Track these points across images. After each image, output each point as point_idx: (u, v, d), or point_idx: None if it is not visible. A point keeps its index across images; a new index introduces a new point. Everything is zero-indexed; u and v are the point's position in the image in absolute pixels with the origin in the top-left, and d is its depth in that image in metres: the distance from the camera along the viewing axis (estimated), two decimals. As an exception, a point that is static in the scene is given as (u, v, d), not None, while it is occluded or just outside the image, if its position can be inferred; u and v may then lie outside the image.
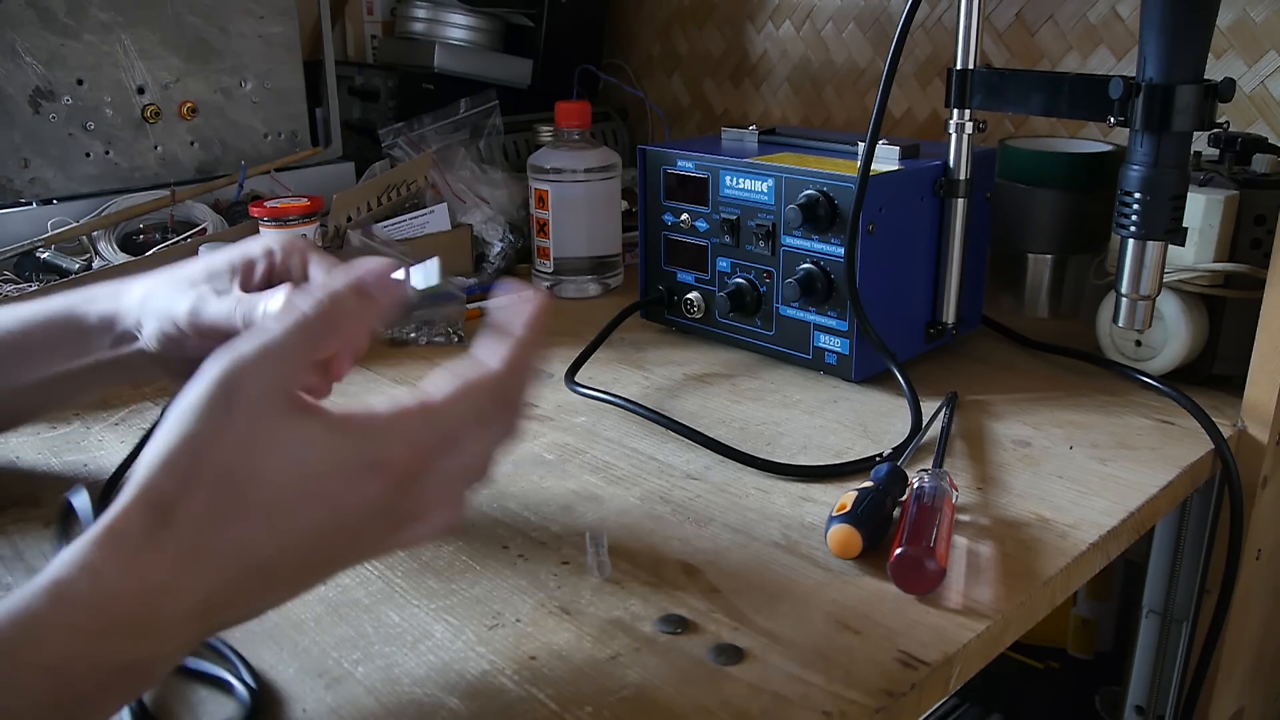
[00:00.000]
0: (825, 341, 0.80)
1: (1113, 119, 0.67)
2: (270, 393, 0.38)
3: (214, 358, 0.38)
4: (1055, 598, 0.56)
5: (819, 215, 0.76)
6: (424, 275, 0.49)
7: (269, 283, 0.56)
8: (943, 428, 0.70)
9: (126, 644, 0.36)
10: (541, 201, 1.01)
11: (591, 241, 1.02)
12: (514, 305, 0.45)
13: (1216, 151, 0.80)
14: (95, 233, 0.95)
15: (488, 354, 0.44)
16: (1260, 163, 0.77)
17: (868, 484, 0.59)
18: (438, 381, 0.42)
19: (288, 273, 0.56)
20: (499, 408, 0.43)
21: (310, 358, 0.40)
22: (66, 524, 0.59)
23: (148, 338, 0.55)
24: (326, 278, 0.44)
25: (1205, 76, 0.65)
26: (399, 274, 0.43)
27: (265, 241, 0.56)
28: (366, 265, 0.42)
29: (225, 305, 0.53)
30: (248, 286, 0.55)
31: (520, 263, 1.10)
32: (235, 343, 0.38)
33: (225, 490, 0.37)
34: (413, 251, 0.95)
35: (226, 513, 0.37)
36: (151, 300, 0.55)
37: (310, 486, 0.38)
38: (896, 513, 0.58)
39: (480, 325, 0.96)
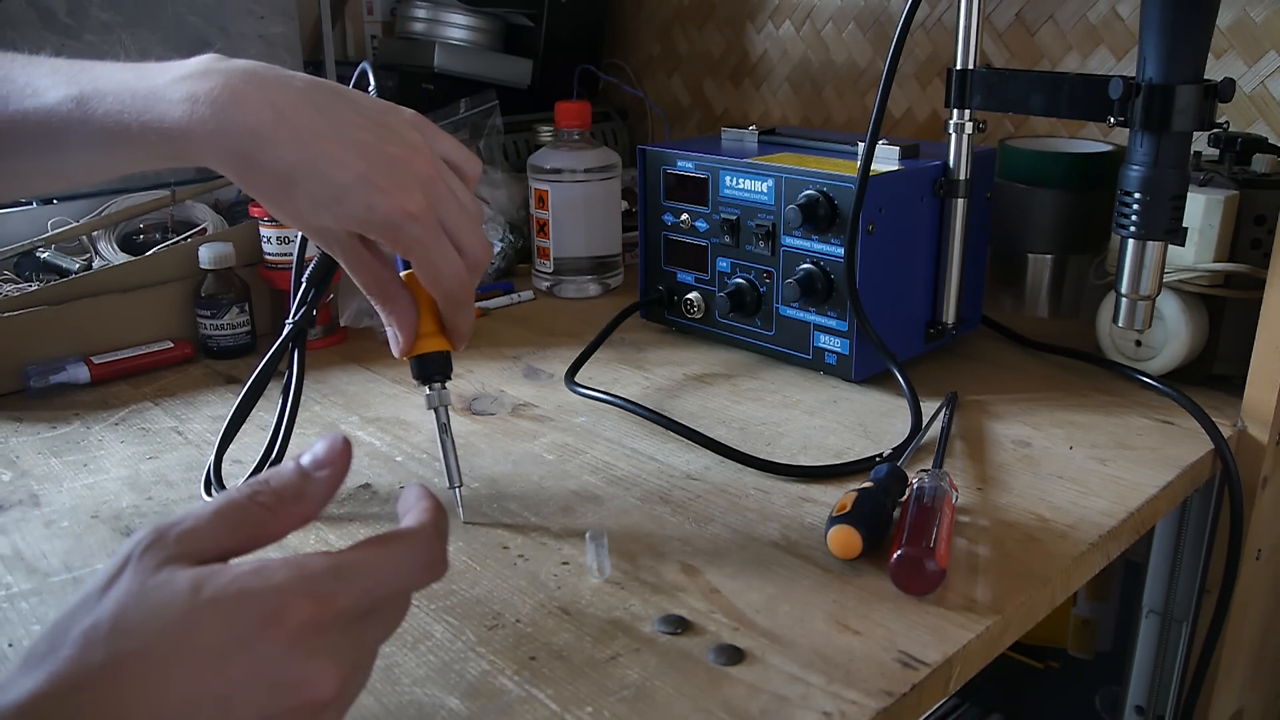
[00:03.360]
0: (825, 341, 0.80)
1: (1113, 119, 0.67)
2: (171, 556, 0.33)
3: (133, 539, 0.34)
4: (1055, 598, 0.56)
5: (819, 215, 0.76)
6: None
7: None
8: (943, 428, 0.70)
9: None
10: (541, 201, 1.01)
11: (591, 241, 1.02)
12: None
13: (1216, 151, 0.80)
14: (95, 232, 0.95)
15: (408, 515, 0.38)
16: (1260, 163, 0.77)
17: (868, 484, 0.59)
18: (378, 539, 0.36)
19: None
20: (414, 571, 0.36)
21: (230, 542, 0.35)
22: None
23: (218, 152, 0.48)
24: (307, 462, 0.38)
25: (1205, 76, 0.65)
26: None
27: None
28: (315, 453, 0.38)
29: (357, 251, 0.54)
30: None
31: (520, 263, 1.10)
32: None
33: (99, 649, 0.31)
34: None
35: (101, 673, 0.31)
36: (242, 107, 0.47)
37: (193, 644, 0.31)
38: (896, 513, 0.58)
39: (479, 326, 0.96)
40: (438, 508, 0.38)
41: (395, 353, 0.56)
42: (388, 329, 0.56)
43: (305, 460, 0.37)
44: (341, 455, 0.37)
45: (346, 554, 0.35)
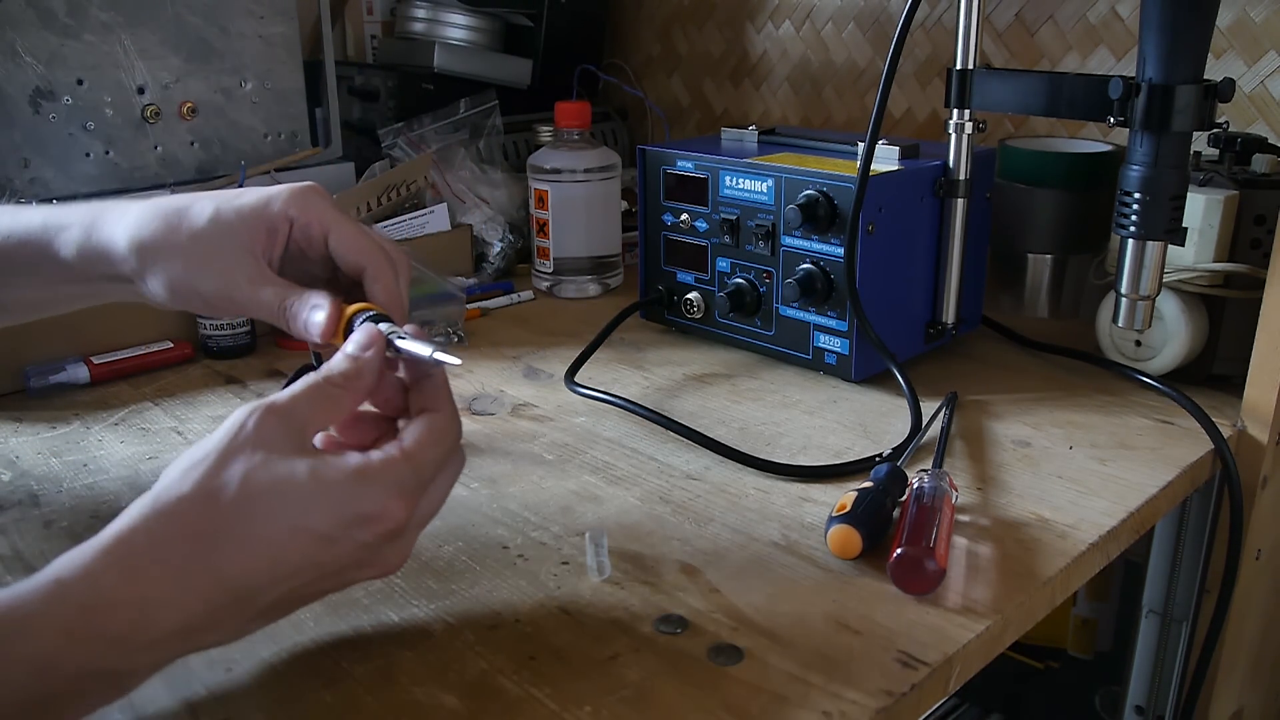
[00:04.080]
0: (825, 341, 0.80)
1: (1113, 119, 0.67)
2: (286, 435, 0.41)
3: (246, 405, 0.42)
4: (1055, 598, 0.56)
5: (819, 215, 0.76)
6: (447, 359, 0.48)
7: (287, 250, 0.53)
8: (942, 428, 0.70)
9: (111, 651, 0.37)
10: (541, 201, 1.01)
11: (591, 241, 1.02)
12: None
13: (1216, 151, 0.80)
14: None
15: (431, 400, 0.47)
16: (1260, 163, 0.77)
17: (868, 484, 0.59)
18: (420, 427, 0.45)
19: (309, 241, 0.53)
20: (455, 445, 0.47)
21: (328, 417, 0.44)
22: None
23: (154, 289, 0.52)
24: (352, 350, 0.46)
25: (1205, 76, 0.65)
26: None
27: (280, 202, 0.52)
28: (364, 332, 0.47)
29: (264, 296, 0.51)
30: (273, 260, 0.53)
31: (520, 263, 1.10)
32: (271, 397, 0.42)
33: (226, 512, 0.39)
34: (413, 252, 0.95)
35: (225, 535, 0.39)
36: (157, 261, 0.51)
37: (306, 525, 0.40)
38: (896, 513, 0.58)
39: (479, 326, 0.96)
40: (444, 383, 0.47)
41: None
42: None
43: (350, 349, 0.46)
44: (376, 338, 0.46)
45: (417, 456, 0.43)
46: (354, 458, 0.42)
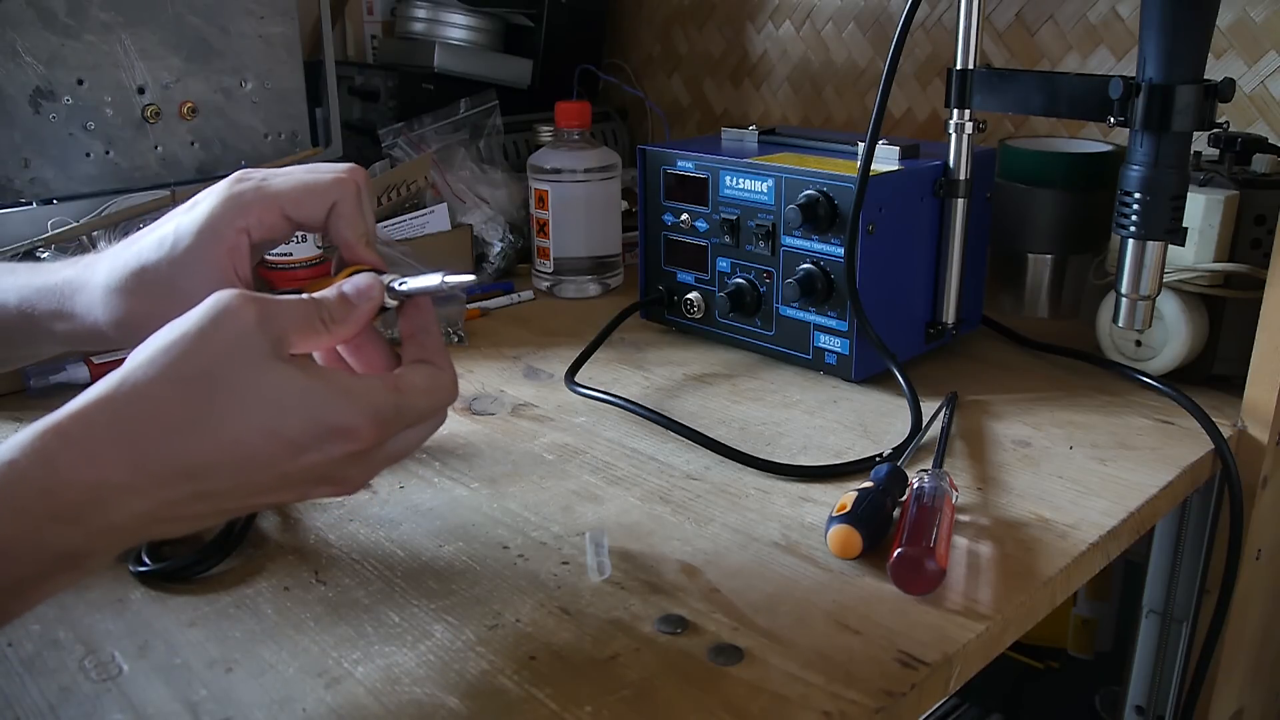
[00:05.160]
0: (825, 341, 0.80)
1: (1113, 119, 0.67)
2: (265, 335, 0.40)
3: (228, 291, 0.40)
4: (1055, 598, 0.56)
5: (819, 215, 0.76)
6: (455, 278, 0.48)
7: (258, 246, 0.52)
8: (943, 428, 0.70)
9: (71, 531, 0.36)
10: (541, 201, 1.01)
11: (591, 241, 1.02)
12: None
13: (1216, 151, 0.80)
14: (95, 233, 0.95)
15: (433, 354, 0.47)
16: (1260, 163, 0.77)
17: (868, 484, 0.59)
18: (417, 371, 0.45)
19: (272, 230, 0.51)
20: (444, 406, 0.46)
21: (305, 342, 0.43)
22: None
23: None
24: (349, 290, 0.46)
25: (1205, 76, 0.65)
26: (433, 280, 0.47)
27: (223, 226, 0.49)
28: (362, 275, 0.46)
29: None
30: (244, 274, 0.51)
31: (520, 263, 1.10)
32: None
33: (198, 401, 0.38)
34: (413, 252, 0.95)
35: (194, 424, 0.38)
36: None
37: (278, 428, 0.39)
38: (896, 513, 0.58)
39: (479, 326, 0.96)
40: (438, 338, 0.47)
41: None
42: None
43: (347, 288, 0.45)
44: (374, 287, 0.46)
45: (406, 395, 0.43)
46: (339, 373, 0.42)
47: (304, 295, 0.44)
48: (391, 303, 0.47)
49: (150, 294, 0.49)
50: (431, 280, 0.46)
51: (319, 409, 0.40)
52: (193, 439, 0.38)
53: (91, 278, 0.50)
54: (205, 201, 0.50)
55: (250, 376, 0.39)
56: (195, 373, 0.39)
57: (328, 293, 0.45)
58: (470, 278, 0.46)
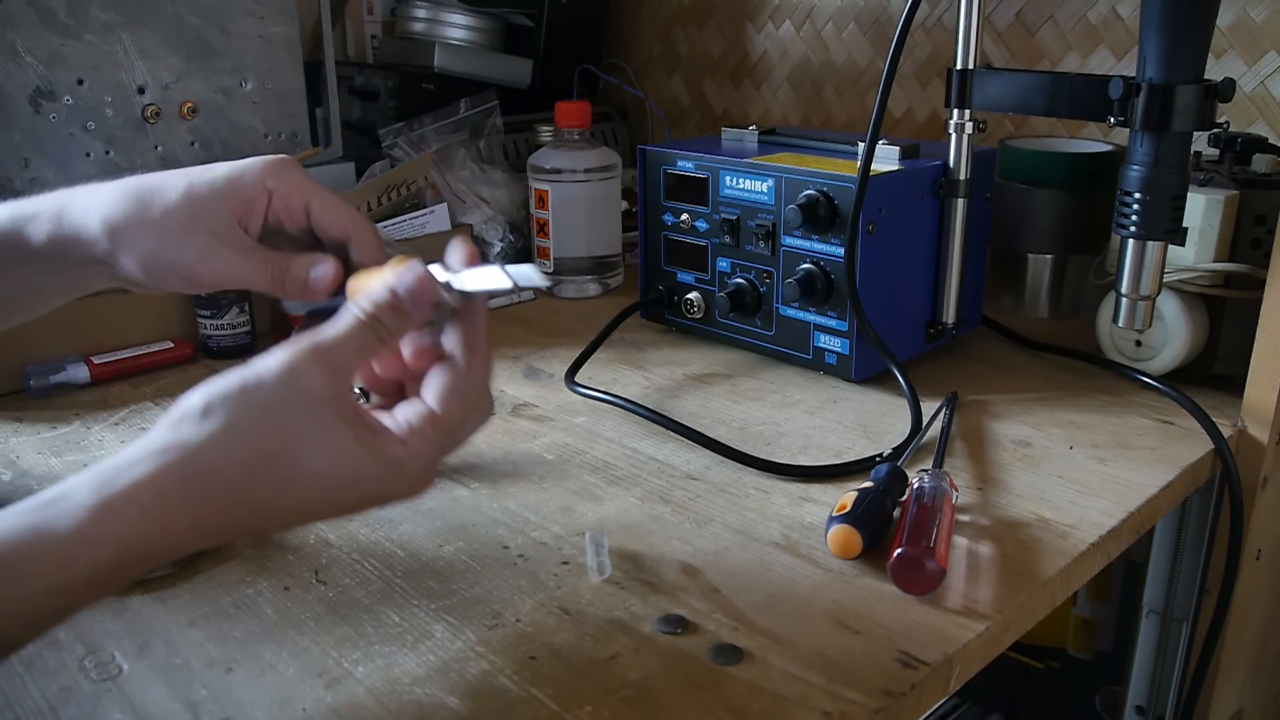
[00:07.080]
0: (825, 341, 0.80)
1: (1113, 119, 0.67)
2: (335, 393, 0.41)
3: (287, 346, 0.41)
4: (1055, 598, 0.56)
5: (819, 215, 0.76)
6: (524, 277, 0.46)
7: (268, 220, 0.52)
8: (943, 428, 0.70)
9: (121, 581, 0.39)
10: (541, 201, 1.01)
11: (591, 241, 1.02)
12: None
13: (1216, 151, 0.80)
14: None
15: (459, 346, 0.46)
16: (1260, 163, 0.77)
17: (868, 484, 0.59)
18: (437, 386, 0.44)
19: (289, 212, 0.52)
20: (481, 396, 0.46)
21: (368, 361, 0.44)
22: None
23: (129, 269, 0.51)
24: (389, 279, 0.45)
25: (1205, 76, 0.65)
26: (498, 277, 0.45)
27: (256, 173, 0.50)
28: (411, 272, 0.45)
29: (249, 263, 0.50)
30: (253, 230, 0.51)
31: (520, 263, 1.10)
32: (303, 337, 0.42)
33: (270, 480, 0.40)
34: (413, 252, 0.94)
35: (264, 504, 0.40)
36: (131, 240, 0.50)
37: (337, 499, 0.42)
38: (896, 513, 0.58)
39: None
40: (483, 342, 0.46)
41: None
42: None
43: (401, 293, 0.44)
44: (424, 279, 0.45)
45: (446, 431, 0.44)
46: (393, 444, 0.42)
47: (353, 307, 0.43)
48: (451, 302, 0.45)
49: (153, 203, 0.49)
50: (494, 277, 0.44)
51: (376, 485, 0.42)
52: (264, 514, 0.41)
53: (104, 184, 0.51)
54: (253, 159, 0.51)
55: (320, 450, 0.40)
56: (271, 455, 0.40)
57: (378, 293, 0.44)
58: (544, 281, 0.45)
